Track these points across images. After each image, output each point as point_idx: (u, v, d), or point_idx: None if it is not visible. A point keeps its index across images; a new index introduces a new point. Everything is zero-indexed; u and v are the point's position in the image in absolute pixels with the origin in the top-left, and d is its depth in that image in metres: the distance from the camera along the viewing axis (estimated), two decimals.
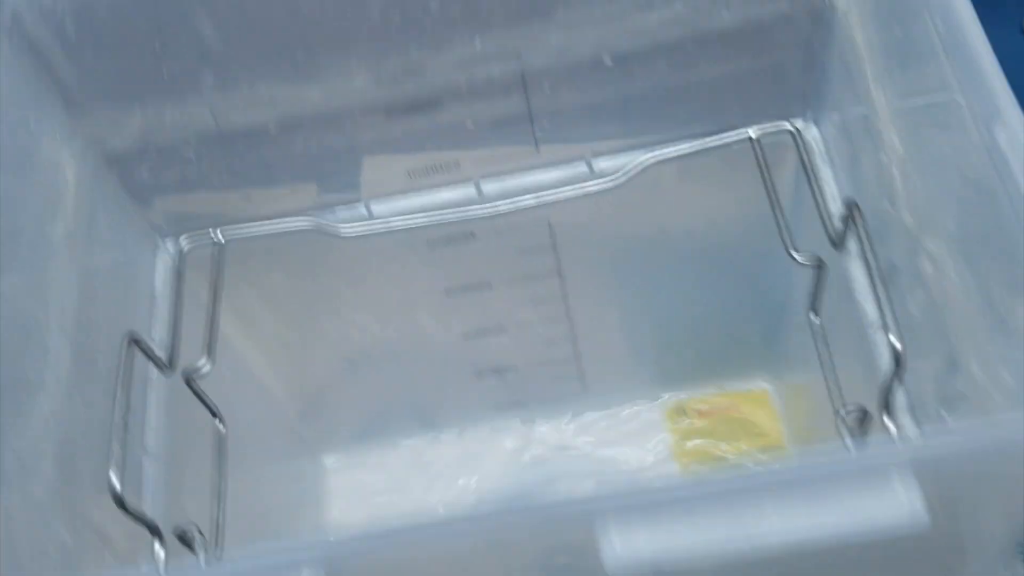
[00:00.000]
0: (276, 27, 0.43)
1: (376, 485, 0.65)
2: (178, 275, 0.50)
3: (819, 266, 0.46)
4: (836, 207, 0.47)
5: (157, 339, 0.49)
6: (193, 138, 0.47)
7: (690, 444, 0.67)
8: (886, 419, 0.40)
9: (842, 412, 0.44)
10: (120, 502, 0.38)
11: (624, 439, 0.66)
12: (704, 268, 0.58)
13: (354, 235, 0.51)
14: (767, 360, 0.66)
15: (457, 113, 0.47)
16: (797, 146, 0.49)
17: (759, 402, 0.68)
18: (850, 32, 0.44)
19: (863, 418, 0.43)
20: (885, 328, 0.38)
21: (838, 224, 0.43)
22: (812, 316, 0.47)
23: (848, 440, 0.43)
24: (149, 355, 0.44)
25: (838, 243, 0.44)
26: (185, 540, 0.43)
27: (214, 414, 0.48)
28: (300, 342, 0.60)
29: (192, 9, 0.42)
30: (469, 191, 0.51)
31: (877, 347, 0.44)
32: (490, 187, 0.51)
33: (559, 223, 0.53)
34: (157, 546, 0.40)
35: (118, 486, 0.38)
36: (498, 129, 0.48)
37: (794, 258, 0.46)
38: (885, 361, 0.39)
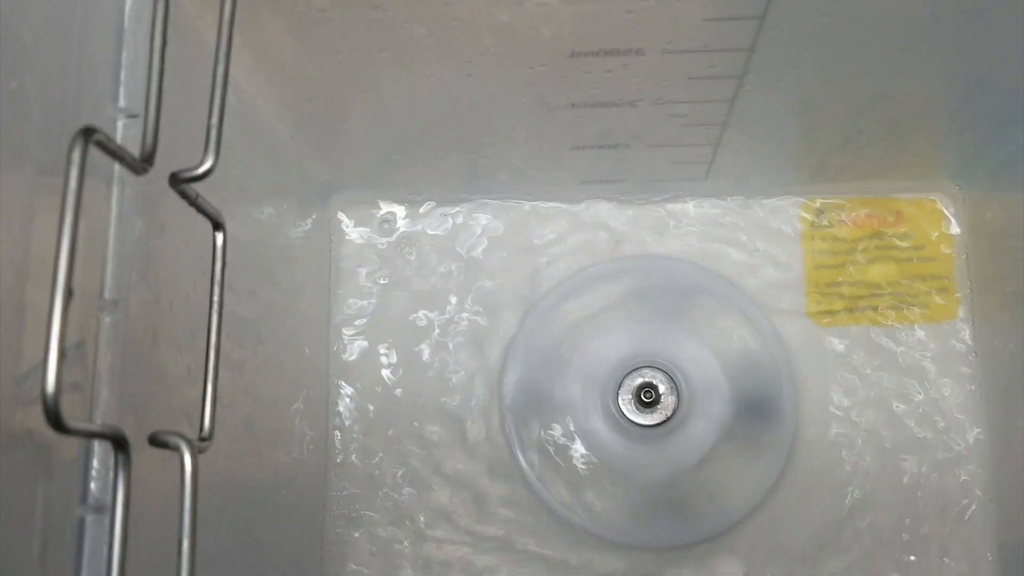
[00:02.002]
0: None
1: None
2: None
3: None
4: None
5: (124, 108, 0.31)
6: None
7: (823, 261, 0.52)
8: None
9: None
10: (56, 419, 0.23)
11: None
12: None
13: None
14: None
15: None
16: None
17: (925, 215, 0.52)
18: None
19: None
20: None
21: None
22: None
23: None
24: (115, 154, 0.27)
25: None
26: (163, 443, 0.28)
27: (217, 226, 0.32)
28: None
29: None
30: None
31: None
32: None
33: None
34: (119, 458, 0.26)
35: (51, 386, 0.23)
36: None
37: None
38: None
